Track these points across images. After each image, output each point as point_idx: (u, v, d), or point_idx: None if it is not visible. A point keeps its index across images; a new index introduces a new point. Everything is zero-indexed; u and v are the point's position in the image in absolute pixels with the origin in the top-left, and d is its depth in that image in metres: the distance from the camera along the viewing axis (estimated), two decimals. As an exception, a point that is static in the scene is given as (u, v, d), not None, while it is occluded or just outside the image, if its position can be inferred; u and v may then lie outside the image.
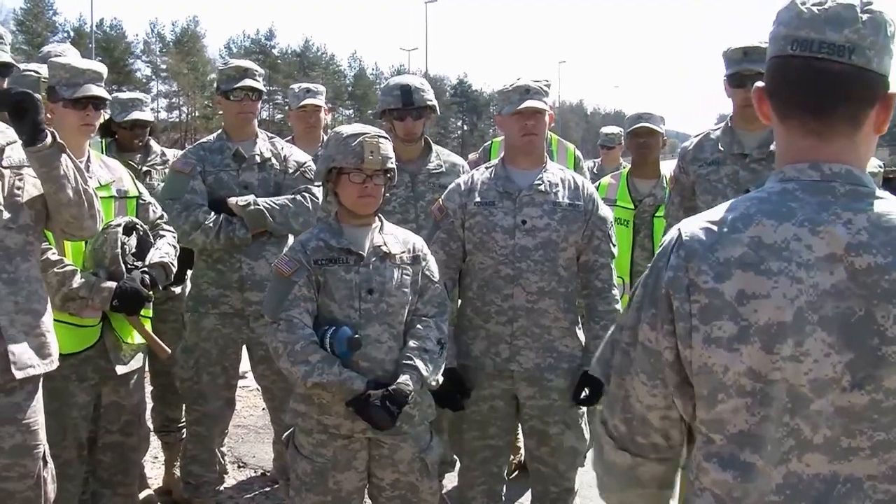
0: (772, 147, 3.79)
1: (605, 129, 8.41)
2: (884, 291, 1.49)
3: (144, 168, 4.99)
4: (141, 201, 4.09)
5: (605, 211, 3.90)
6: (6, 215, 3.15)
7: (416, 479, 3.45)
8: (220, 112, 4.77)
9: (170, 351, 4.14)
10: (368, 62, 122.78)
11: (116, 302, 3.72)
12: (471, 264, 3.85)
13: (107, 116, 4.74)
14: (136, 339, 3.95)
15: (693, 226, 1.62)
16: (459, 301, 4.00)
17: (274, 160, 4.62)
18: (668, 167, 4.85)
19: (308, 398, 3.35)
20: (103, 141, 5.12)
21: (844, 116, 1.58)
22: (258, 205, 4.40)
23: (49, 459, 3.31)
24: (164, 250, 4.02)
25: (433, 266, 3.54)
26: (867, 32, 1.55)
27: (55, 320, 3.46)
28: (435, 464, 3.51)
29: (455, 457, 4.27)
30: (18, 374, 3.11)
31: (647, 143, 5.44)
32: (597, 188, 4.59)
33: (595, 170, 7.84)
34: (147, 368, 4.60)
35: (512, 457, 5.14)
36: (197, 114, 69.00)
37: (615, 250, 3.93)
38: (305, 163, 4.66)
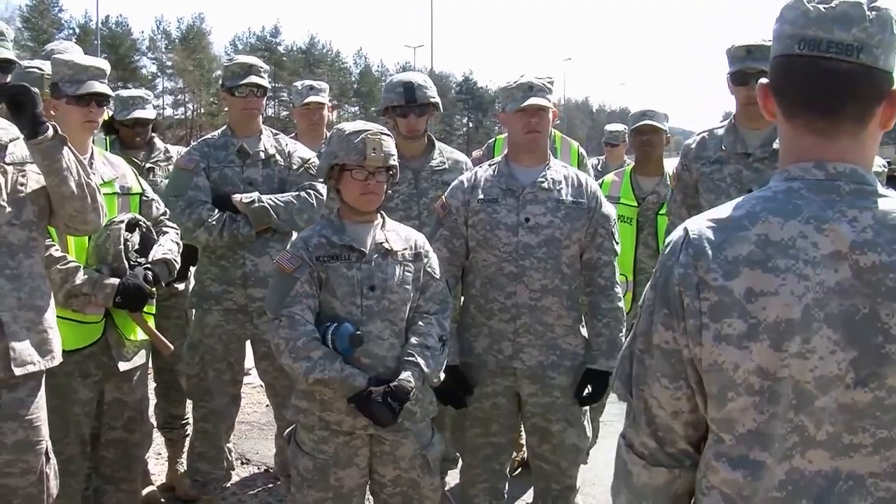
0: (775, 146, 3.79)
1: (610, 127, 8.41)
2: (888, 290, 1.49)
3: (148, 165, 5.00)
4: (144, 198, 4.10)
5: (609, 208, 3.90)
6: (9, 211, 3.15)
7: (417, 476, 3.45)
8: (226, 109, 4.77)
9: (173, 347, 4.15)
10: (374, 59, 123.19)
11: (119, 298, 3.72)
12: (474, 261, 3.85)
13: (110, 113, 4.75)
14: (139, 335, 3.96)
15: (700, 224, 1.61)
16: (462, 298, 3.99)
17: (278, 156, 4.62)
18: (671, 164, 4.84)
19: (310, 395, 3.36)
20: (107, 138, 5.12)
21: (851, 115, 1.57)
22: (262, 202, 4.39)
23: (52, 455, 3.31)
24: (167, 247, 4.03)
25: (435, 263, 3.55)
26: (875, 31, 1.54)
27: (58, 317, 3.46)
28: (436, 460, 3.51)
29: (457, 454, 4.27)
30: (18, 371, 3.12)
31: (650, 140, 5.43)
32: (600, 185, 4.59)
33: (599, 167, 7.84)
34: (150, 365, 4.61)
35: (515, 454, 5.15)
36: (202, 111, 69.11)
37: (618, 248, 3.92)
38: (310, 159, 4.66)
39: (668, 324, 1.62)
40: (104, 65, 3.91)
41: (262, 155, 4.57)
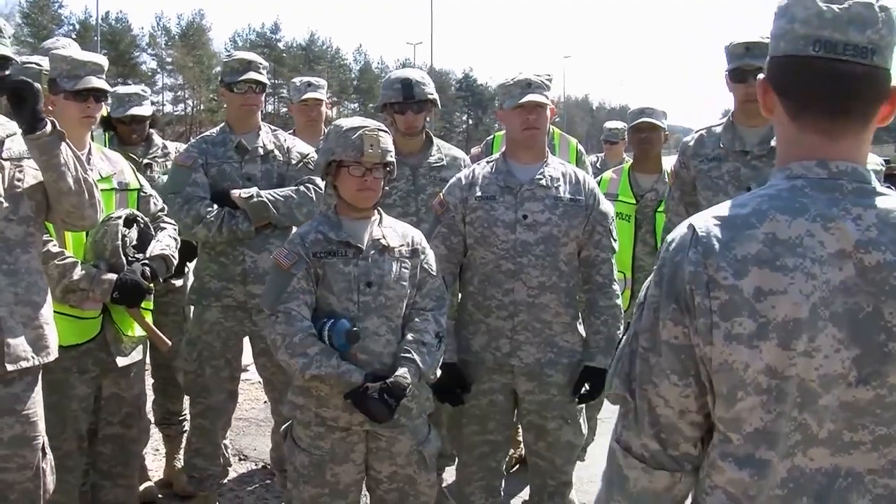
0: (773, 143, 3.79)
1: (609, 125, 8.41)
2: (892, 288, 1.49)
3: (145, 161, 4.99)
4: (142, 194, 4.10)
5: (606, 206, 3.89)
6: (6, 206, 3.15)
7: (413, 472, 3.45)
8: (225, 105, 4.77)
9: (170, 343, 4.15)
10: (374, 56, 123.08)
11: (117, 294, 3.73)
12: (472, 259, 3.85)
13: (108, 109, 4.75)
14: (137, 331, 3.96)
15: (707, 222, 1.59)
16: (460, 295, 3.99)
17: (277, 152, 4.62)
18: (670, 162, 4.84)
19: (306, 390, 3.36)
20: (106, 134, 5.12)
21: (859, 116, 1.58)
22: (261, 197, 4.39)
23: (48, 450, 3.32)
24: (165, 242, 4.03)
25: (432, 259, 3.54)
26: (885, 32, 1.54)
27: (56, 312, 3.46)
28: (433, 456, 3.52)
29: (454, 451, 4.27)
30: (10, 367, 3.12)
31: (648, 137, 5.43)
32: (598, 183, 4.59)
33: (598, 164, 7.84)
34: (148, 361, 4.61)
35: (513, 451, 5.15)
36: (202, 107, 69.08)
37: (616, 245, 3.92)
38: (308, 154, 4.65)
39: (677, 319, 1.59)
40: (102, 60, 3.91)
41: (261, 150, 4.57)
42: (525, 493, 4.41)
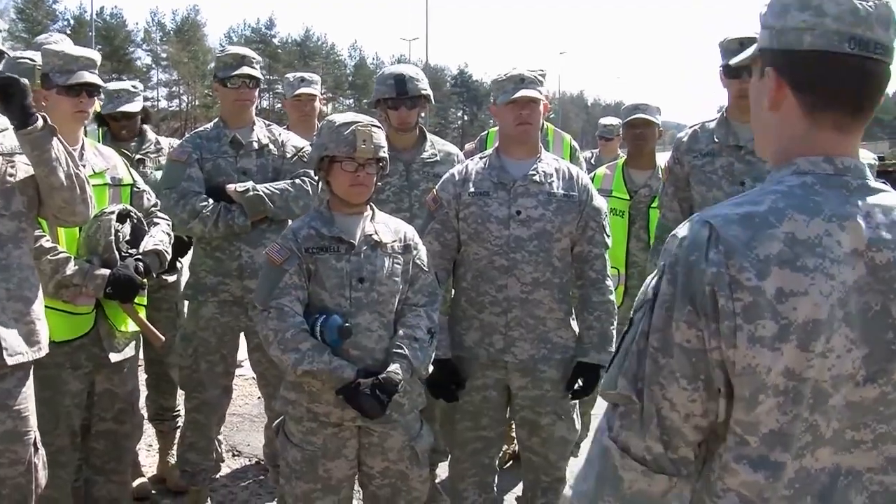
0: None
1: (604, 121, 8.40)
2: None
3: (138, 156, 4.98)
4: (135, 189, 4.09)
5: (600, 201, 3.90)
6: None
7: (405, 467, 3.46)
8: (219, 100, 4.76)
9: (164, 339, 4.14)
10: (369, 52, 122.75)
11: (110, 289, 3.72)
12: (465, 255, 3.84)
13: (100, 104, 4.74)
14: (130, 326, 3.95)
15: (724, 219, 1.53)
16: (453, 291, 3.99)
17: (272, 146, 4.60)
18: (665, 158, 4.84)
19: (298, 386, 3.36)
20: (100, 130, 5.11)
21: (869, 113, 1.58)
22: (257, 190, 4.38)
23: (40, 446, 3.31)
24: (158, 238, 4.02)
25: (424, 255, 3.55)
26: (894, 32, 1.56)
27: (49, 307, 3.46)
28: (425, 452, 3.52)
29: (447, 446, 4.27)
30: (10, 361, 3.12)
31: (643, 133, 5.43)
32: (592, 179, 4.59)
33: (593, 160, 7.84)
34: (141, 357, 4.60)
35: (506, 447, 5.16)
36: (197, 102, 69.10)
37: (609, 241, 3.92)
38: (303, 148, 4.63)
39: (691, 321, 1.52)
40: (95, 55, 3.90)
41: (256, 145, 4.56)
42: (518, 489, 4.41)
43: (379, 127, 3.40)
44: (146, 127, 5.24)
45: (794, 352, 1.47)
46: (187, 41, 69.83)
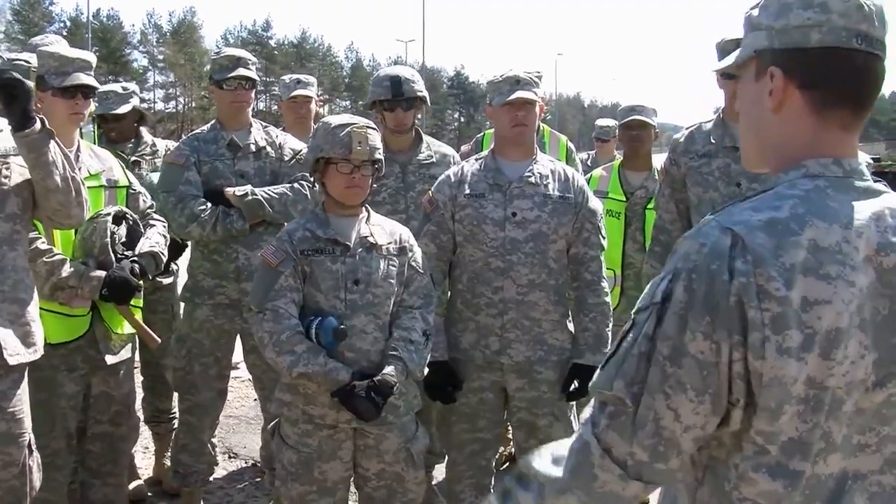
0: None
1: (600, 122, 8.41)
2: None
3: (133, 158, 4.97)
4: (131, 191, 4.09)
5: (595, 203, 3.90)
6: None
7: (401, 469, 3.45)
8: (216, 102, 4.75)
9: (160, 341, 4.13)
10: (365, 53, 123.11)
11: (106, 291, 3.72)
12: (461, 256, 3.84)
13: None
14: (126, 328, 3.95)
15: (747, 226, 1.49)
16: (449, 293, 3.99)
17: (269, 148, 4.60)
18: (661, 160, 4.84)
19: (293, 388, 3.35)
20: (96, 132, 5.11)
21: (868, 111, 1.58)
22: (255, 194, 4.37)
23: (34, 448, 3.31)
24: (154, 239, 4.02)
25: (419, 257, 3.54)
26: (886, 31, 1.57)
27: (45, 310, 3.45)
28: (420, 454, 3.52)
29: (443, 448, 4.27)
30: (11, 361, 3.12)
31: (639, 135, 5.43)
32: (589, 180, 4.58)
33: (589, 162, 7.86)
34: (137, 359, 4.60)
35: (503, 448, 5.15)
36: (194, 104, 69.10)
37: (605, 243, 3.92)
38: (301, 150, 4.61)
39: (707, 333, 1.47)
40: (90, 57, 3.90)
41: (253, 147, 4.55)
42: (515, 491, 4.40)
43: (374, 129, 3.40)
44: (142, 129, 5.23)
45: (817, 360, 1.45)
46: (184, 43, 69.85)
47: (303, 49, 79.63)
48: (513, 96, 3.69)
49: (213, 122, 4.69)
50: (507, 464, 5.40)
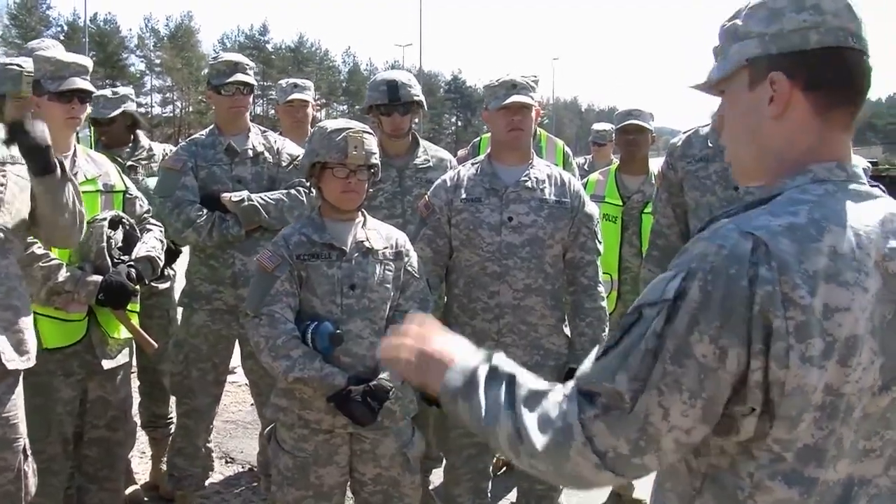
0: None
1: (597, 126, 8.42)
2: None
3: (130, 163, 4.97)
4: (127, 195, 4.08)
5: (592, 208, 3.89)
6: None
7: (398, 474, 3.45)
8: (213, 108, 4.75)
9: (156, 345, 4.13)
10: (363, 58, 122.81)
11: (102, 296, 3.71)
12: (457, 261, 3.84)
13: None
14: (123, 333, 3.95)
15: (769, 231, 1.46)
16: (445, 298, 3.98)
17: (267, 154, 4.60)
18: (657, 164, 4.84)
19: (289, 393, 3.35)
20: (92, 136, 5.10)
21: (858, 112, 1.58)
22: (252, 200, 4.37)
23: (29, 453, 3.30)
24: (151, 244, 4.02)
25: (415, 262, 3.54)
26: None
27: (41, 314, 3.45)
28: (417, 458, 3.52)
29: (441, 453, 4.26)
30: (10, 366, 3.12)
31: (635, 139, 5.43)
32: (585, 185, 4.58)
33: (586, 166, 7.86)
34: (134, 364, 4.59)
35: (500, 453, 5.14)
36: (191, 109, 69.11)
37: (601, 247, 3.92)
38: (299, 156, 4.61)
39: (714, 338, 1.45)
40: (86, 61, 3.89)
41: (251, 153, 4.55)
42: (512, 496, 4.40)
43: (371, 133, 3.40)
44: (140, 133, 5.23)
45: (836, 368, 1.44)
46: (181, 47, 69.92)
47: (300, 53, 79.73)
48: (509, 100, 3.69)
49: (211, 127, 4.69)
50: (504, 469, 5.38)
